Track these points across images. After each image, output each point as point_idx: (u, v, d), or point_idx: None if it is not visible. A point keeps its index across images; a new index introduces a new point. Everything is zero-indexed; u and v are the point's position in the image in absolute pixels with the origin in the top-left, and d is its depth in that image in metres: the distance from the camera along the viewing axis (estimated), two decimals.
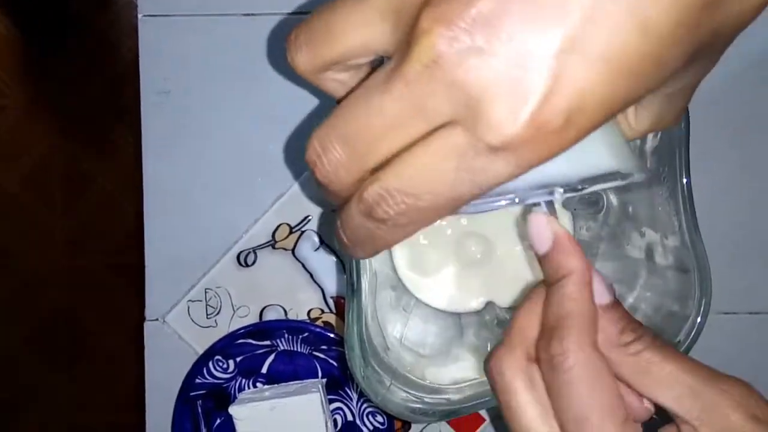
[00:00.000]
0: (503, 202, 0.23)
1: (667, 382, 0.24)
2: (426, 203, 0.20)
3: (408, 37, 0.19)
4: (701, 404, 0.23)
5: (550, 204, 0.26)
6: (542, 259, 0.26)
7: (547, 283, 0.26)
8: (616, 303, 0.26)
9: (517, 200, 0.23)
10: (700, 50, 0.19)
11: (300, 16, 0.49)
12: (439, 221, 0.22)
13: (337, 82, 0.24)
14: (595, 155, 0.23)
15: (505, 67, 0.17)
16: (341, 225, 0.23)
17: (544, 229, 0.26)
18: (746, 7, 0.19)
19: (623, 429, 0.23)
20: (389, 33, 0.20)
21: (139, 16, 0.49)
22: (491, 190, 0.20)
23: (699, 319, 0.32)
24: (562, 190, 0.23)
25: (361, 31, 0.21)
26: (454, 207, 0.21)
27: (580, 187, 0.23)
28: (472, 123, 0.18)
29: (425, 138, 0.20)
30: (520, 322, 0.26)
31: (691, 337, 0.32)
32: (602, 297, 0.25)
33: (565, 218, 0.44)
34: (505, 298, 0.43)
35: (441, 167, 0.19)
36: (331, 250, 0.50)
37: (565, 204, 0.43)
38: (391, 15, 0.20)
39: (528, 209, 0.28)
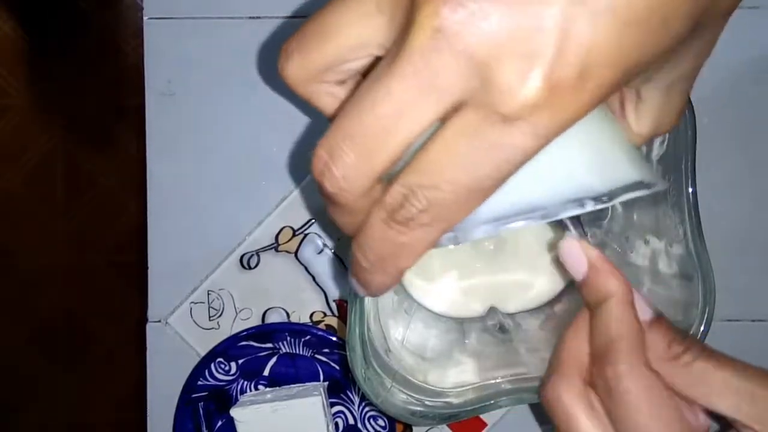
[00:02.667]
0: (534, 218, 0.22)
1: (722, 389, 0.24)
2: (447, 194, 0.19)
3: (408, 16, 0.18)
4: (760, 407, 0.23)
5: (576, 224, 0.27)
6: (581, 285, 0.26)
7: (590, 306, 0.26)
8: (660, 317, 0.26)
9: (548, 216, 0.22)
10: (702, 18, 0.19)
11: (304, 19, 0.49)
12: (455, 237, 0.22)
13: (329, 95, 0.23)
14: (620, 167, 0.24)
15: (511, 28, 0.17)
16: (360, 249, 0.22)
17: (579, 254, 0.26)
18: None
19: None
20: (386, 25, 0.19)
21: (145, 18, 0.49)
22: (513, 171, 0.19)
23: (702, 328, 0.32)
24: (592, 202, 0.22)
25: (356, 27, 0.20)
26: (477, 197, 0.20)
27: (607, 199, 0.23)
28: (483, 94, 0.18)
29: (440, 129, 0.19)
30: (569, 348, 0.26)
31: None
32: (645, 313, 0.26)
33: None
34: (507, 303, 0.43)
35: (456, 151, 0.19)
36: (334, 253, 0.50)
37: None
38: (387, 4, 0.19)
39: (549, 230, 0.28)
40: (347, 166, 0.20)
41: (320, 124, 0.49)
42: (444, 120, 0.19)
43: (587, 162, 0.23)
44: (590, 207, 0.22)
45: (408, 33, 0.18)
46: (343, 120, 0.20)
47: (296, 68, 0.22)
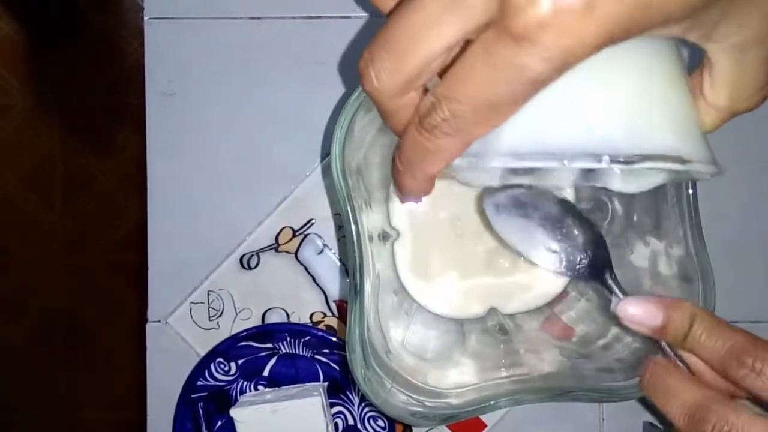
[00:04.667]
0: (552, 163, 0.23)
1: None
2: (465, 107, 0.21)
3: None
4: None
5: (615, 280, 0.29)
6: (660, 333, 0.28)
7: (677, 342, 0.27)
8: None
9: (565, 162, 0.22)
10: None
11: (305, 19, 0.49)
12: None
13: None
14: (656, 132, 0.23)
15: None
16: (397, 153, 0.25)
17: (644, 307, 0.28)
18: None
19: None
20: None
21: (145, 18, 0.49)
22: (527, 94, 0.20)
23: None
24: (609, 158, 0.22)
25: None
26: (494, 114, 0.21)
27: (632, 160, 0.22)
28: (500, 14, 0.19)
29: (467, 46, 0.20)
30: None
31: None
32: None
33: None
34: (507, 304, 0.43)
35: (475, 67, 0.20)
36: (334, 254, 0.50)
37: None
38: None
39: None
40: (381, 68, 0.22)
41: (321, 124, 0.49)
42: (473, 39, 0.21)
43: (621, 116, 0.23)
44: (606, 164, 0.22)
45: None
46: (384, 29, 0.22)
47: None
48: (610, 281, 0.31)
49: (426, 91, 0.23)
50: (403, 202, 0.30)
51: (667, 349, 0.29)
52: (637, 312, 0.28)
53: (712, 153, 0.25)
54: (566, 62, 0.19)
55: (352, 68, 0.49)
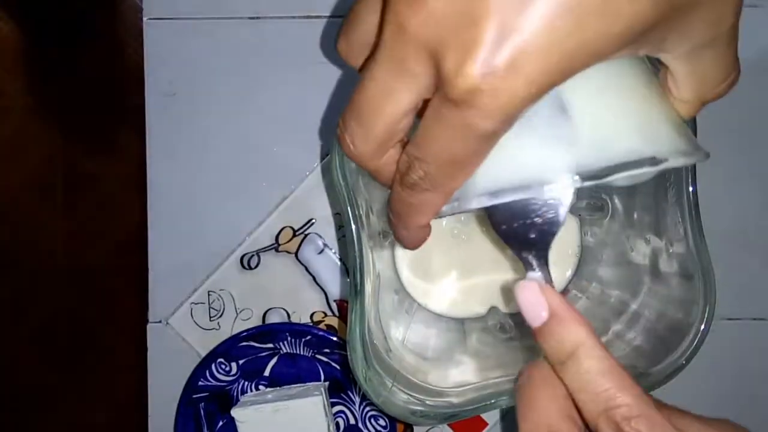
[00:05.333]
0: (527, 194, 0.23)
1: None
2: (433, 167, 0.22)
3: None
4: None
5: (542, 265, 0.25)
6: (539, 334, 0.23)
7: (553, 360, 0.23)
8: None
9: (543, 188, 0.23)
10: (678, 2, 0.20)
11: (305, 19, 0.49)
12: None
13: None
14: (621, 138, 0.23)
15: (453, 23, 0.19)
16: (388, 206, 0.26)
17: (538, 299, 0.24)
18: None
19: None
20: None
21: (145, 18, 0.49)
22: (485, 149, 0.22)
23: (702, 327, 0.32)
24: (578, 177, 0.23)
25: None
26: (460, 170, 0.22)
27: (604, 174, 0.23)
28: (439, 80, 0.20)
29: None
30: (535, 419, 0.23)
31: (694, 344, 0.32)
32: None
33: (572, 223, 0.44)
34: (508, 303, 0.43)
35: (432, 129, 0.21)
36: (335, 253, 0.50)
37: (571, 209, 0.43)
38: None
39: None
40: (354, 135, 0.24)
41: (320, 124, 0.49)
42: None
43: (586, 133, 0.23)
44: (578, 184, 0.23)
45: (381, 33, 0.21)
46: (351, 100, 0.24)
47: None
48: (529, 256, 0.26)
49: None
50: (405, 248, 0.30)
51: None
52: (523, 297, 0.24)
53: (689, 141, 0.25)
54: (509, 116, 0.20)
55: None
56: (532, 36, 0.18)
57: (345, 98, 0.50)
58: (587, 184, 0.23)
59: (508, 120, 0.20)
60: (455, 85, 0.19)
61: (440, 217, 0.26)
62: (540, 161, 0.23)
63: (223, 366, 0.49)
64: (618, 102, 0.24)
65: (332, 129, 0.32)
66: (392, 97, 0.22)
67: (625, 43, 0.20)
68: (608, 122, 0.23)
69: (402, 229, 0.27)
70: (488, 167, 0.23)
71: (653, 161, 0.23)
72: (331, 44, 0.49)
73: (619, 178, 0.23)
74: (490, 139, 0.21)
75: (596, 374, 0.22)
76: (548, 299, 0.23)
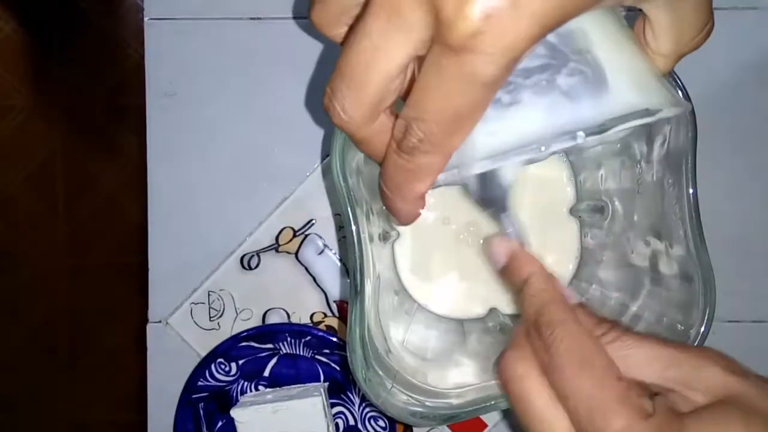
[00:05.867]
0: (530, 154, 0.23)
1: (648, 360, 0.24)
2: (433, 124, 0.22)
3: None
4: (684, 370, 0.24)
5: (514, 223, 0.28)
6: (504, 273, 0.28)
7: (515, 291, 0.27)
8: (581, 303, 0.27)
9: (542, 148, 0.23)
10: None
11: (305, 20, 0.49)
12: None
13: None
14: (618, 92, 0.23)
15: None
16: (383, 180, 0.25)
17: (500, 246, 0.28)
18: None
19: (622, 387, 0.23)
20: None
21: (145, 19, 0.49)
22: (486, 99, 0.21)
23: (702, 329, 0.32)
24: (583, 134, 0.23)
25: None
26: (462, 125, 0.22)
27: (604, 128, 0.23)
28: (437, 29, 0.19)
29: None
30: (518, 334, 0.26)
31: (695, 346, 0.32)
32: (571, 298, 0.26)
33: (573, 225, 0.44)
34: (508, 304, 0.43)
35: (431, 84, 0.21)
36: (335, 254, 0.50)
37: (572, 211, 0.43)
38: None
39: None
40: (344, 100, 0.23)
41: (319, 124, 0.49)
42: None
43: (582, 90, 0.23)
44: (581, 139, 0.23)
45: None
46: (339, 60, 0.22)
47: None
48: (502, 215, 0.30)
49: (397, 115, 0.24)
50: (400, 224, 0.30)
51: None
52: (496, 248, 0.28)
53: (674, 94, 0.25)
54: (512, 59, 0.19)
55: None
56: None
57: None
58: (590, 139, 0.23)
59: (513, 62, 0.20)
60: (455, 29, 0.19)
61: (438, 185, 0.25)
62: (540, 119, 0.23)
63: (223, 366, 0.49)
64: (610, 56, 0.24)
65: (332, 130, 0.32)
66: (386, 52, 0.21)
67: None
68: (604, 76, 0.24)
69: (400, 201, 0.26)
70: (485, 127, 0.23)
71: (648, 113, 0.23)
72: (331, 44, 0.49)
73: (616, 131, 0.23)
74: (493, 86, 0.20)
75: (538, 291, 0.26)
76: (510, 246, 0.28)
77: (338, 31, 0.25)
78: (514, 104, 0.23)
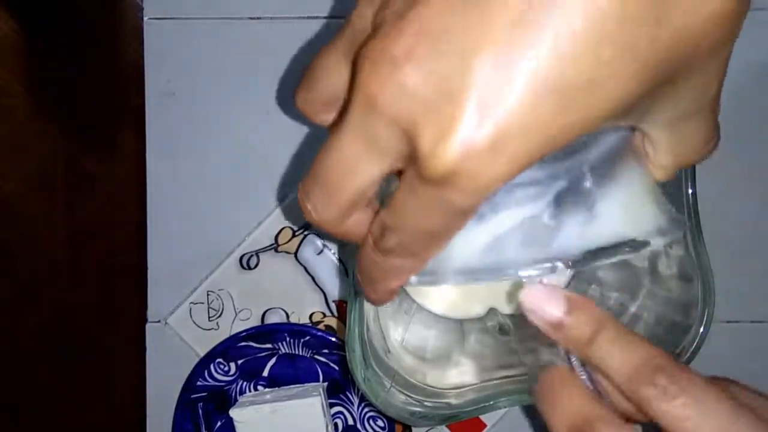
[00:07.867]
0: (505, 276, 0.23)
1: None
2: (408, 237, 0.21)
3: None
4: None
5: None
6: (559, 328, 0.24)
7: (576, 346, 0.24)
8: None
9: (520, 273, 0.22)
10: (670, 71, 0.18)
11: (304, 20, 0.49)
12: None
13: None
14: (605, 219, 0.22)
15: (429, 98, 0.17)
16: (357, 267, 0.25)
17: (550, 296, 0.24)
18: (694, 21, 0.18)
19: None
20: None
21: (145, 18, 0.50)
22: (460, 224, 0.20)
23: (702, 329, 0.32)
24: (561, 265, 0.22)
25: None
26: (435, 242, 0.21)
27: (585, 260, 0.22)
28: (413, 156, 0.19)
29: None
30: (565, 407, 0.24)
31: (693, 346, 0.32)
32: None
33: None
34: (507, 304, 0.43)
35: (407, 202, 0.20)
36: (334, 254, 0.50)
37: None
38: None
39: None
40: (316, 200, 0.23)
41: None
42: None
43: (568, 216, 0.22)
44: (560, 270, 0.22)
45: (349, 101, 0.19)
46: (314, 166, 0.22)
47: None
48: None
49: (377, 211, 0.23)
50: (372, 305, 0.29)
51: (575, 361, 0.25)
52: (535, 298, 0.24)
53: (669, 216, 0.24)
54: (488, 193, 0.19)
55: None
56: (514, 116, 0.17)
57: None
58: (569, 271, 0.22)
59: (487, 196, 0.19)
60: (431, 166, 0.18)
61: (412, 285, 0.25)
62: (519, 242, 0.22)
63: (222, 366, 0.49)
64: (604, 173, 0.23)
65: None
66: (359, 169, 0.21)
67: (609, 121, 0.19)
68: (593, 200, 0.23)
69: (371, 292, 0.25)
70: (466, 244, 0.22)
71: (634, 244, 0.22)
72: None
73: (601, 264, 0.22)
74: (467, 213, 0.20)
75: (625, 343, 0.23)
76: (559, 295, 0.24)
77: (324, 118, 0.25)
78: (494, 220, 0.22)
